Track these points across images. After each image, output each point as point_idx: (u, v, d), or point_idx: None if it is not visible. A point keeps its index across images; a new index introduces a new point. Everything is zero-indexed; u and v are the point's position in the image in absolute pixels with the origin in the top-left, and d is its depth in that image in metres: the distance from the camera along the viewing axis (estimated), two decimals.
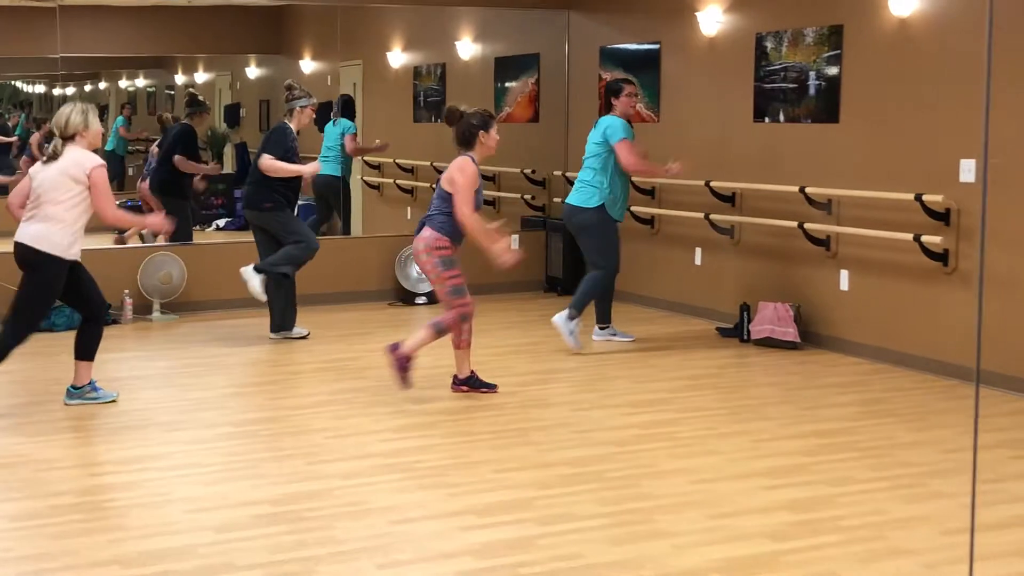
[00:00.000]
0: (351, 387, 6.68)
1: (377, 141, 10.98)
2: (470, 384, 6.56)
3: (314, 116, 8.05)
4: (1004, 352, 6.60)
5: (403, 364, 6.31)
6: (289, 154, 7.84)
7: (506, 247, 6.39)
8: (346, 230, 10.67)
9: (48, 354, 7.63)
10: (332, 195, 10.70)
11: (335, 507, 4.69)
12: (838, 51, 7.62)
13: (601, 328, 8.05)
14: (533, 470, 5.16)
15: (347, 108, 10.95)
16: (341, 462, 5.30)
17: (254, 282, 7.70)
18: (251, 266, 7.77)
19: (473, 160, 6.37)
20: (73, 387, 6.32)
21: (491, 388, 6.56)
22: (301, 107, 7.93)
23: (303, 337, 8.08)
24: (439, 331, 6.31)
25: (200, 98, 10.28)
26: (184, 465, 5.29)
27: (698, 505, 4.72)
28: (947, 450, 5.50)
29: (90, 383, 6.32)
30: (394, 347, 6.36)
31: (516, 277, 9.16)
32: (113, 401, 6.34)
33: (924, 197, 6.91)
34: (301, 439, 5.69)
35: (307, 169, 7.84)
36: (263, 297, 7.79)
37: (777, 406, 6.34)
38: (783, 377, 7.08)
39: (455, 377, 6.59)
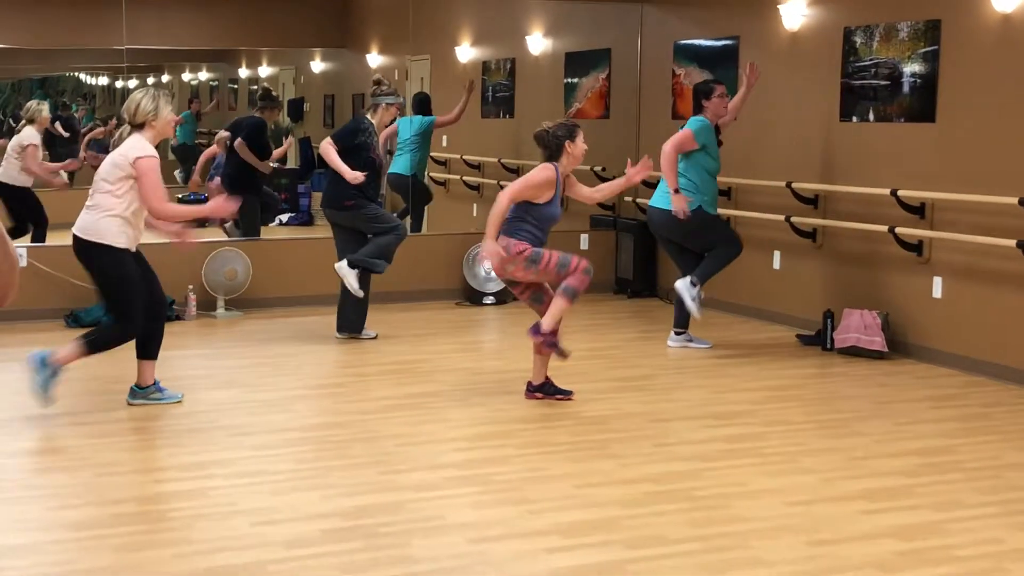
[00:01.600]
0: (421, 391, 6.43)
1: (469, 82, 10.78)
2: (544, 391, 6.30)
3: (398, 115, 7.81)
4: None
5: (551, 340, 6.12)
6: (360, 148, 7.59)
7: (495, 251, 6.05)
8: (416, 227, 10.41)
9: (108, 351, 7.46)
10: (403, 192, 10.47)
11: (410, 522, 4.44)
12: (935, 47, 7.25)
13: (678, 334, 7.75)
14: (616, 486, 4.87)
15: (423, 106, 10.72)
16: (414, 472, 5.05)
17: (350, 278, 7.48)
18: (344, 261, 7.53)
19: (556, 170, 6.11)
20: (137, 387, 6.13)
21: (566, 395, 6.29)
22: (387, 104, 7.69)
23: (372, 338, 7.86)
24: (571, 296, 6.09)
25: (273, 92, 10.10)
26: (251, 472, 5.06)
27: (795, 530, 4.40)
28: None
29: (154, 383, 6.13)
30: (535, 329, 6.13)
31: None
32: (178, 402, 6.14)
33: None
34: (372, 446, 5.45)
35: (348, 175, 7.44)
36: (361, 293, 7.55)
37: (869, 421, 6.01)
38: (872, 389, 6.74)
39: (529, 383, 6.34)
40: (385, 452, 5.35)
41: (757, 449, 5.43)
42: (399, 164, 10.41)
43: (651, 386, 6.65)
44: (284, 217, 12.49)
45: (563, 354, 6.19)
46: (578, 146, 6.14)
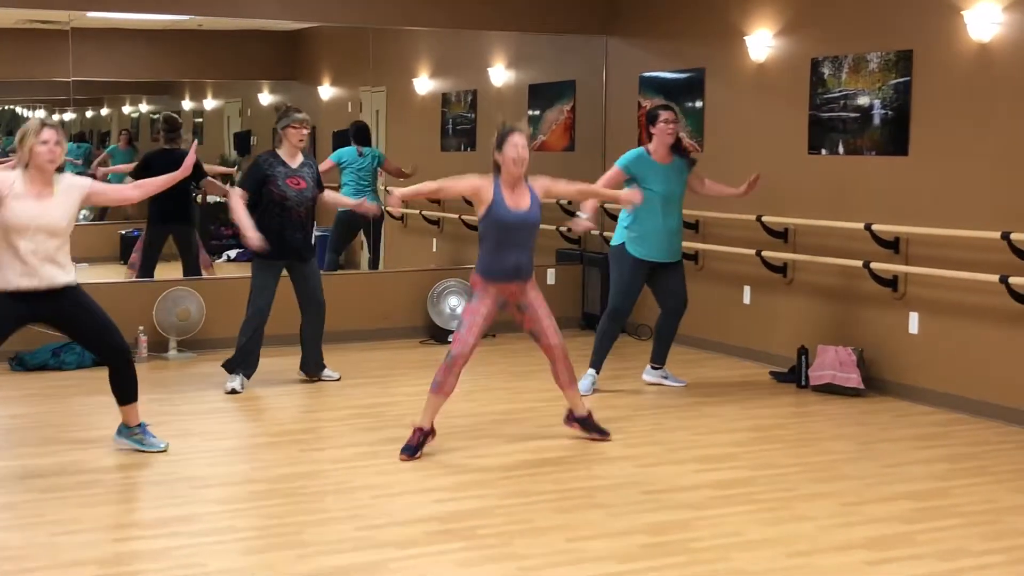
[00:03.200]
0: (391, 436, 6.14)
1: (411, 166, 10.38)
2: (584, 425, 6.16)
3: (304, 135, 7.26)
4: None
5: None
6: (269, 185, 7.21)
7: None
8: (375, 264, 10.11)
9: (59, 396, 7.13)
10: (363, 228, 10.19)
11: None
12: (907, 78, 7.15)
13: (654, 368, 7.57)
14: (609, 539, 4.64)
15: (361, 135, 10.41)
16: (394, 527, 4.78)
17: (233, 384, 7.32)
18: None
19: (494, 179, 5.91)
20: (124, 426, 5.88)
21: (604, 435, 6.15)
22: (281, 128, 7.30)
23: (335, 380, 7.57)
24: (432, 387, 5.90)
25: (178, 121, 9.71)
26: (217, 530, 4.77)
27: None
28: None
29: (140, 425, 5.85)
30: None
31: (552, 312, 8.63)
32: (163, 451, 5.84)
33: (1011, 235, 6.42)
34: (345, 499, 5.17)
35: (247, 236, 7.05)
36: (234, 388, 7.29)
37: (856, 463, 5.83)
38: (853, 428, 6.58)
39: (570, 412, 6.21)
40: (361, 505, 5.07)
41: (748, 495, 5.22)
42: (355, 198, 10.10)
43: (631, 428, 6.42)
44: (232, 252, 12.14)
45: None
46: (506, 155, 5.86)
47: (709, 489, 5.32)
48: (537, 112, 10.36)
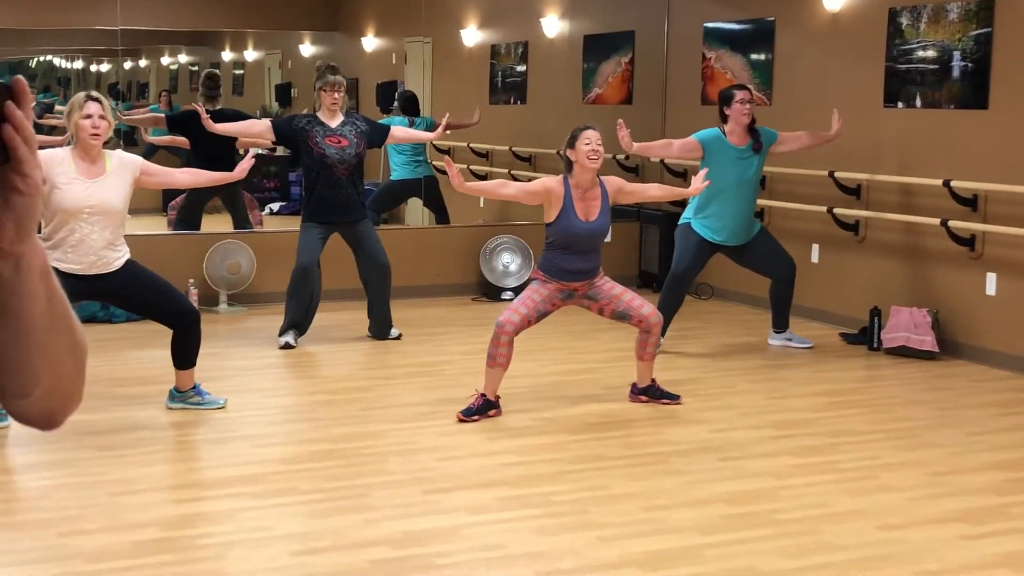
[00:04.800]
0: (451, 397, 5.96)
1: (476, 114, 10.09)
2: (650, 394, 5.95)
3: (336, 98, 7.01)
4: None
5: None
6: (299, 141, 7.01)
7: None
8: (442, 220, 9.86)
9: (110, 349, 6.99)
10: (411, 197, 9.97)
11: (469, 552, 3.99)
12: (988, 29, 6.83)
13: (777, 332, 7.41)
14: (688, 508, 4.43)
15: (410, 105, 10.18)
16: (463, 491, 4.60)
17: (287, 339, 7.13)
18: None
19: (565, 181, 5.65)
20: (176, 390, 5.70)
21: (674, 399, 5.96)
22: (316, 88, 7.10)
23: (396, 338, 7.38)
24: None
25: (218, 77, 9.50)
26: (282, 491, 4.60)
27: (897, 559, 3.98)
28: None
29: (194, 387, 5.68)
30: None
31: (608, 272, 8.38)
32: (222, 407, 5.69)
33: None
34: (411, 460, 4.99)
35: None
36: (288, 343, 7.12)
37: (939, 430, 5.59)
38: (932, 393, 6.33)
39: (634, 385, 6.00)
40: (426, 468, 4.89)
41: (831, 464, 5.00)
42: (406, 170, 9.86)
43: (700, 391, 6.21)
44: (275, 206, 11.98)
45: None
46: (579, 150, 5.59)
47: (789, 456, 5.10)
48: (592, 64, 10.07)
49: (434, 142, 10.10)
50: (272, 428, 5.53)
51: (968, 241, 7.01)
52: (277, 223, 10.99)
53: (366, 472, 4.84)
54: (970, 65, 6.97)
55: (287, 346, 7.08)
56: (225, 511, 4.40)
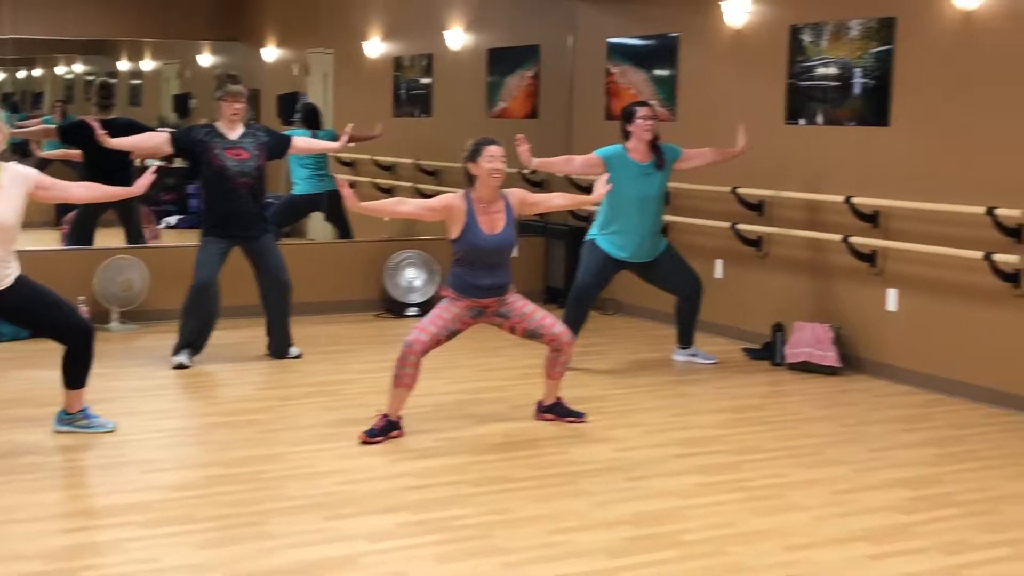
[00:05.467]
0: (353, 417, 5.81)
1: (378, 127, 9.94)
2: (556, 412, 5.86)
3: (237, 108, 6.83)
4: None
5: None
6: (207, 153, 6.81)
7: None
8: (345, 235, 9.68)
9: None
10: (317, 211, 9.78)
11: None
12: (889, 46, 6.89)
13: (682, 348, 7.39)
14: (595, 531, 4.35)
15: (312, 118, 10.01)
16: (364, 517, 4.46)
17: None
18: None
19: (467, 196, 5.56)
20: (64, 412, 5.46)
21: (579, 417, 5.87)
22: (216, 98, 6.92)
23: (295, 357, 7.19)
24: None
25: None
26: (174, 520, 4.40)
27: None
28: None
29: (83, 410, 5.45)
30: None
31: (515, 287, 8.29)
32: (111, 431, 5.47)
33: (996, 211, 6.20)
34: (310, 485, 4.83)
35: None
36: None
37: (842, 446, 5.59)
38: (835, 409, 6.34)
39: (539, 403, 5.91)
40: (326, 493, 4.74)
41: (736, 483, 4.96)
42: (310, 184, 9.68)
43: (606, 408, 6.14)
44: (173, 220, 11.69)
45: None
46: (481, 167, 5.50)
47: (695, 475, 5.05)
48: (498, 78, 10.00)
49: (338, 155, 9.97)
50: (164, 452, 5.32)
51: (869, 257, 7.06)
52: (175, 237, 10.70)
53: (263, 498, 4.67)
54: (871, 82, 7.03)
55: (181, 366, 6.86)
56: (113, 541, 4.20)
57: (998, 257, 6.20)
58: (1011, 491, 4.95)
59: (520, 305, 5.71)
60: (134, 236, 8.69)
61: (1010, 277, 6.24)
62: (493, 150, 5.50)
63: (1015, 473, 5.20)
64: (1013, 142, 6.24)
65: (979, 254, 6.28)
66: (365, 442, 5.40)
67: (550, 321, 5.73)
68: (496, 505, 4.60)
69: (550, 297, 9.29)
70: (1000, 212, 6.20)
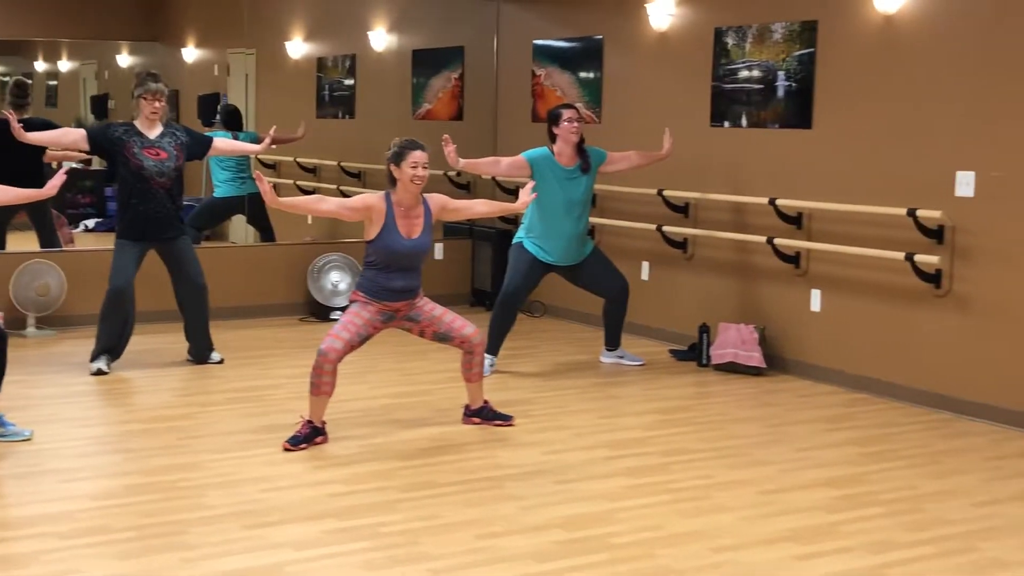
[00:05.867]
0: (276, 423, 5.72)
1: (301, 128, 9.80)
2: (483, 416, 5.82)
3: (157, 107, 6.69)
4: (1006, 384, 6.02)
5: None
6: (124, 152, 6.65)
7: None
8: (268, 238, 9.53)
9: None
10: (238, 213, 9.62)
11: None
12: (811, 49, 6.96)
13: (609, 350, 7.38)
14: (523, 535, 4.31)
15: (233, 119, 9.85)
16: (288, 525, 4.37)
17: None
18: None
19: (387, 197, 5.51)
20: None
21: (506, 420, 5.83)
22: (135, 96, 6.76)
23: (217, 362, 7.07)
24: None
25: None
26: (91, 530, 4.29)
27: None
28: (981, 503, 4.84)
29: None
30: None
31: (439, 290, 8.22)
32: (27, 439, 5.32)
33: (917, 212, 6.28)
34: (232, 493, 4.73)
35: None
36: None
37: (768, 447, 5.62)
38: (760, 410, 6.38)
39: (466, 407, 5.86)
40: (249, 500, 4.64)
41: (664, 485, 4.95)
42: (231, 187, 9.52)
43: (534, 411, 6.11)
44: (91, 222, 11.45)
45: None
46: (404, 171, 5.44)
47: (623, 477, 5.04)
48: (422, 79, 9.94)
49: (259, 156, 9.83)
50: (82, 461, 5.19)
51: (793, 258, 7.12)
52: (92, 240, 10.49)
53: (183, 507, 4.57)
54: (794, 85, 7.09)
55: (99, 372, 6.71)
56: (30, 553, 4.07)
57: (919, 258, 6.28)
58: (933, 489, 5.00)
59: (429, 308, 5.67)
60: (47, 239, 8.48)
61: (931, 278, 6.32)
62: (418, 156, 5.45)
63: (937, 472, 5.26)
64: (933, 144, 6.32)
65: (901, 255, 6.35)
66: (288, 449, 5.31)
67: (460, 323, 5.69)
68: (423, 511, 4.55)
69: (477, 300, 9.25)
70: (921, 213, 6.28)
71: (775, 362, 7.19)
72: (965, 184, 6.17)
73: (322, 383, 5.37)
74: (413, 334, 5.73)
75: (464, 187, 9.43)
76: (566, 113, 6.93)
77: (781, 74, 7.16)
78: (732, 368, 7.13)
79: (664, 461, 5.30)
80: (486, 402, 5.84)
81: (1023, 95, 5.88)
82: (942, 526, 4.54)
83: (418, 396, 6.41)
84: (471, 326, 5.75)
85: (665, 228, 7.84)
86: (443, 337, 5.68)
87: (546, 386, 6.74)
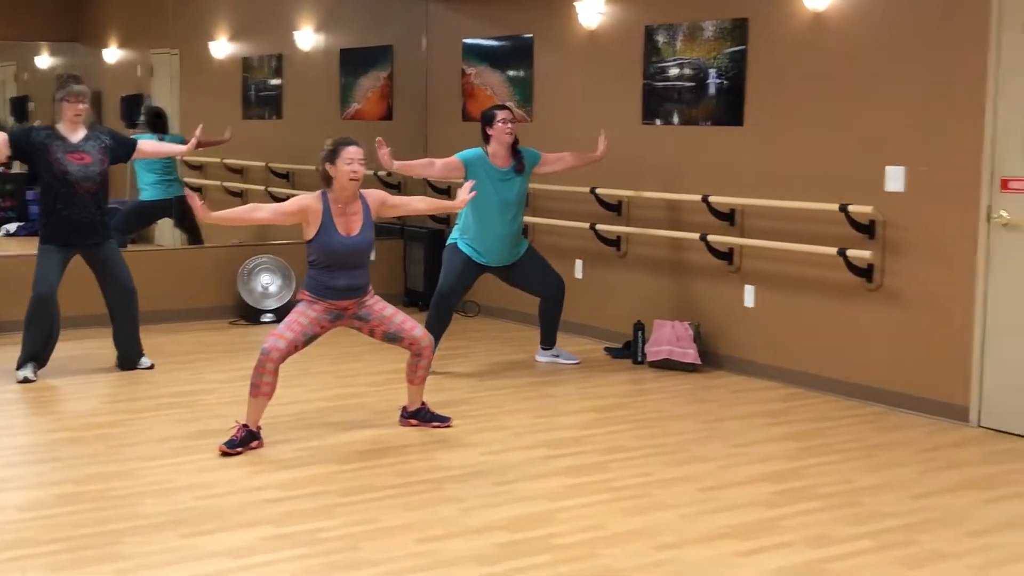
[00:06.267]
0: (210, 429, 5.62)
1: (227, 131, 9.63)
2: (420, 418, 5.76)
3: (80, 110, 6.56)
4: (936, 376, 6.10)
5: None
6: (47, 156, 6.50)
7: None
8: (196, 240, 9.36)
9: None
10: (165, 217, 9.45)
11: None
12: (742, 47, 7.00)
13: (544, 349, 7.36)
14: (465, 537, 4.26)
15: (158, 122, 9.67)
16: (225, 533, 4.28)
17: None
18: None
19: (324, 197, 5.45)
20: None
21: (444, 421, 5.77)
22: (57, 99, 6.61)
23: (148, 368, 6.93)
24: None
25: None
26: (20, 542, 4.16)
27: None
28: (917, 495, 4.89)
29: None
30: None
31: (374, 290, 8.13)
32: None
33: (849, 208, 6.34)
34: (167, 501, 4.62)
35: None
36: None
37: (705, 443, 5.64)
38: (696, 406, 6.39)
39: (404, 409, 5.79)
40: (185, 508, 4.54)
41: (604, 483, 4.94)
42: (160, 188, 9.33)
43: (471, 412, 6.06)
44: (12, 227, 11.20)
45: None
46: (339, 168, 5.38)
47: (562, 477, 5.02)
48: (351, 79, 9.84)
49: (186, 158, 9.67)
50: (9, 471, 5.04)
51: (727, 255, 7.15)
52: (15, 245, 10.25)
53: (116, 516, 4.46)
54: (725, 83, 7.12)
55: (26, 380, 6.55)
56: None
57: (851, 253, 6.34)
58: (869, 483, 5.04)
59: (380, 308, 5.60)
60: None
61: (863, 272, 6.38)
62: (352, 151, 5.38)
63: (872, 465, 5.31)
64: (863, 139, 6.38)
65: (833, 250, 6.41)
66: (224, 454, 5.22)
67: (410, 325, 5.64)
68: (362, 515, 4.48)
69: (410, 300, 9.19)
70: (852, 209, 6.34)
71: (710, 358, 7.22)
72: (895, 179, 6.24)
73: (262, 383, 5.28)
74: (363, 333, 5.65)
75: (395, 187, 9.35)
76: (500, 114, 6.90)
77: (712, 72, 7.19)
78: (667, 365, 7.15)
79: (602, 459, 5.29)
80: (424, 404, 5.79)
81: (951, 90, 5.96)
82: (880, 519, 4.58)
83: (354, 398, 6.34)
84: (421, 328, 5.70)
85: (599, 226, 7.84)
86: (393, 337, 5.62)
87: (482, 386, 6.71)
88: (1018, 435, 5.78)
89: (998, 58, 5.76)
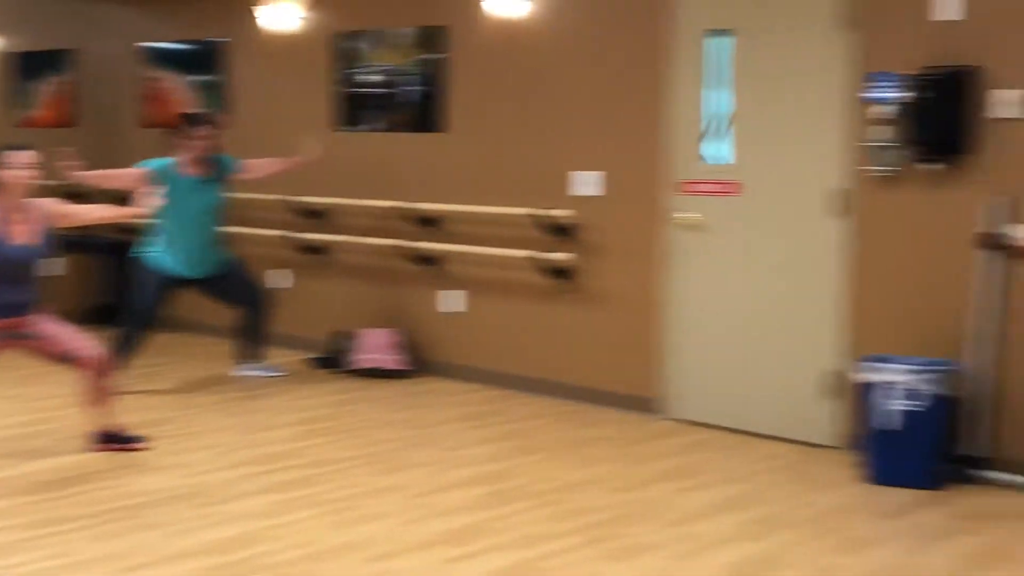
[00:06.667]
0: None
1: None
2: (112, 441, 5.43)
3: None
4: (628, 372, 6.32)
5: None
6: None
7: None
8: None
9: None
10: None
11: None
12: (441, 54, 7.03)
13: (247, 362, 7.11)
14: (171, 564, 4.04)
15: None
16: None
17: None
18: None
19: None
20: None
21: (139, 442, 5.47)
22: None
23: None
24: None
25: None
26: None
27: None
28: (619, 488, 5.04)
29: None
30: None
31: (61, 306, 7.64)
32: None
33: (541, 212, 6.48)
34: None
35: None
36: None
37: (415, 450, 5.61)
38: (405, 413, 6.36)
39: (93, 434, 5.44)
40: None
41: (315, 497, 4.82)
42: None
43: (171, 432, 5.78)
44: None
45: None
46: (6, 174, 5.09)
47: (271, 493, 4.86)
48: (25, 83, 9.23)
49: None
50: None
51: (431, 261, 7.16)
52: None
53: None
54: (425, 89, 7.13)
55: None
56: None
57: (550, 256, 6.49)
58: (573, 479, 5.15)
59: (49, 326, 5.26)
60: None
61: (560, 274, 6.54)
62: (24, 157, 5.06)
63: (575, 462, 5.43)
64: (559, 145, 6.54)
65: (533, 253, 6.54)
66: None
67: (82, 343, 5.32)
68: (54, 549, 4.17)
69: (99, 316, 8.68)
70: (550, 212, 6.48)
71: (418, 364, 7.21)
72: (589, 183, 6.43)
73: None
74: (35, 354, 5.28)
75: (80, 196, 8.83)
76: (191, 122, 6.67)
77: (410, 78, 7.18)
78: (375, 373, 7.09)
79: (312, 473, 5.16)
80: (116, 426, 5.46)
81: (639, 97, 6.19)
82: (587, 514, 4.68)
83: (38, 425, 5.93)
84: (95, 346, 5.37)
85: (301, 235, 7.69)
86: (65, 357, 5.27)
87: (183, 404, 6.43)
88: (705, 424, 6.07)
89: (675, 68, 6.04)
